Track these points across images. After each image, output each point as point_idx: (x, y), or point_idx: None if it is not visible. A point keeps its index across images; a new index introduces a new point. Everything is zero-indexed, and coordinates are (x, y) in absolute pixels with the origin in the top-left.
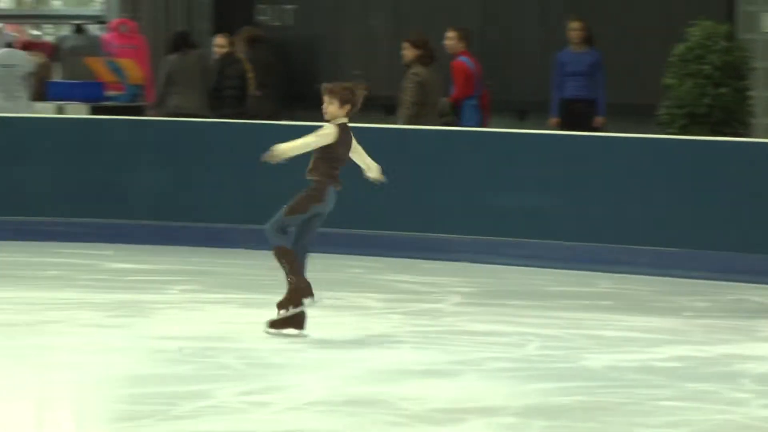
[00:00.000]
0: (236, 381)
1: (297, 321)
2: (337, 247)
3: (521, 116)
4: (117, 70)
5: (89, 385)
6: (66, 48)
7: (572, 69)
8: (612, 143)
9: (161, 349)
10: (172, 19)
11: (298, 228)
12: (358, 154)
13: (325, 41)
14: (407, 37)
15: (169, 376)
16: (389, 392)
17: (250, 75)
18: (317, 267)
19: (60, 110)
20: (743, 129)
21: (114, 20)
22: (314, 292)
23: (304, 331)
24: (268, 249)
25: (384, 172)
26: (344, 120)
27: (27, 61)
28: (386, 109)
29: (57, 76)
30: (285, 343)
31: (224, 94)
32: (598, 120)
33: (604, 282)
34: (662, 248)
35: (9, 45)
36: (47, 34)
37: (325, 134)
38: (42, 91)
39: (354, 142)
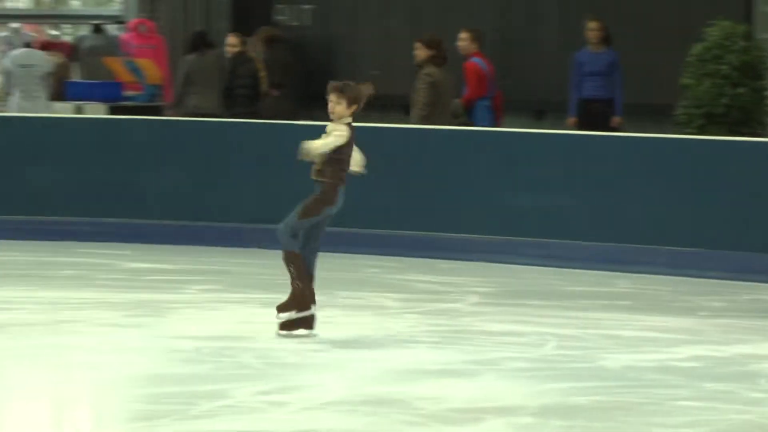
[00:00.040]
0: (254, 381)
1: (307, 321)
2: (355, 247)
3: (539, 116)
4: (135, 70)
5: (106, 385)
6: (84, 48)
7: (590, 69)
8: (630, 143)
9: (179, 349)
10: (191, 19)
11: (308, 230)
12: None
13: (343, 41)
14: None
15: (186, 376)
16: (406, 392)
17: (262, 74)
18: (335, 267)
19: (78, 110)
20: (761, 129)
21: (133, 20)
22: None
23: (314, 331)
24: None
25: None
26: (350, 120)
27: (46, 61)
28: (404, 109)
29: (76, 76)
30: (302, 342)
31: (236, 93)
32: (616, 120)
33: (622, 282)
34: (680, 248)
35: (28, 45)
36: (66, 34)
37: (342, 135)
38: (61, 91)
39: None
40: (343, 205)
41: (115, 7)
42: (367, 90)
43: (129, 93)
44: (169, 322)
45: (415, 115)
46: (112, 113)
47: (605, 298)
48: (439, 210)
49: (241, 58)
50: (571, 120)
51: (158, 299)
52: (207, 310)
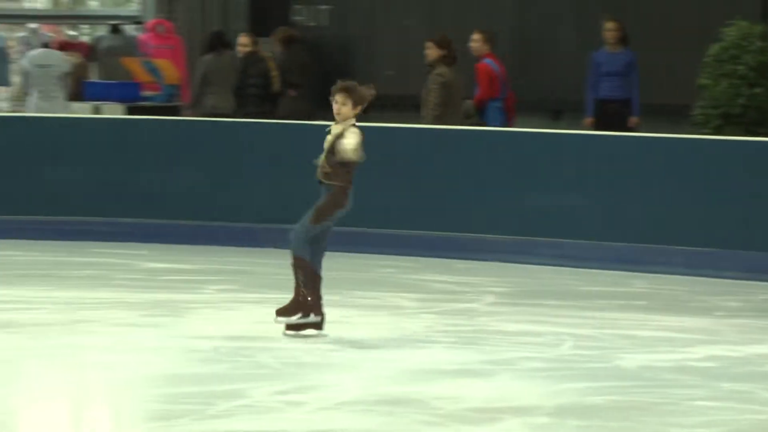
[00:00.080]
0: (271, 380)
1: (315, 323)
2: (371, 247)
3: (556, 116)
4: (153, 70)
5: (124, 385)
6: (102, 48)
7: (607, 69)
8: (646, 143)
9: (196, 349)
10: (208, 20)
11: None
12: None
13: (360, 42)
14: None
15: (204, 376)
16: (423, 392)
17: (274, 74)
18: (351, 267)
19: (96, 110)
20: None
21: (150, 21)
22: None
23: (323, 332)
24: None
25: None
26: (354, 121)
27: (63, 61)
28: (419, 109)
29: (93, 77)
30: (319, 342)
31: (247, 92)
32: (633, 120)
33: (638, 282)
34: (696, 248)
35: (45, 45)
36: (84, 34)
37: (358, 134)
38: (78, 91)
39: None
40: (352, 206)
41: (132, 8)
42: (369, 92)
43: (147, 93)
44: (186, 322)
45: (427, 115)
46: (129, 113)
47: (621, 298)
48: (456, 210)
49: (252, 57)
50: (588, 120)
51: (175, 299)
52: (224, 310)
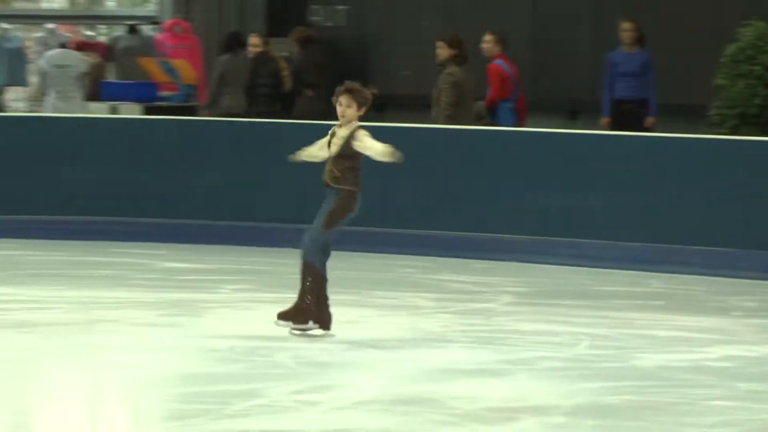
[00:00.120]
0: (287, 380)
1: (324, 321)
2: (389, 247)
3: (572, 116)
4: (170, 70)
5: (141, 384)
6: (120, 48)
7: (624, 69)
8: (663, 144)
9: (213, 348)
10: (225, 20)
11: None
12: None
13: (377, 41)
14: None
15: (221, 375)
16: (440, 391)
17: (285, 73)
18: (369, 267)
19: (114, 110)
20: None
21: (168, 21)
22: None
23: (331, 332)
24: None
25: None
26: (358, 123)
27: (81, 61)
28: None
29: (111, 77)
30: (335, 342)
31: (258, 92)
32: (649, 120)
33: (655, 282)
34: (713, 248)
35: (63, 45)
36: (101, 34)
37: (368, 135)
38: (96, 91)
39: None
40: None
41: (150, 8)
42: (372, 94)
43: (164, 93)
44: (204, 321)
45: (438, 115)
46: (146, 113)
47: (638, 298)
48: (473, 210)
49: (263, 57)
50: (605, 120)
51: (192, 299)
52: (241, 310)
